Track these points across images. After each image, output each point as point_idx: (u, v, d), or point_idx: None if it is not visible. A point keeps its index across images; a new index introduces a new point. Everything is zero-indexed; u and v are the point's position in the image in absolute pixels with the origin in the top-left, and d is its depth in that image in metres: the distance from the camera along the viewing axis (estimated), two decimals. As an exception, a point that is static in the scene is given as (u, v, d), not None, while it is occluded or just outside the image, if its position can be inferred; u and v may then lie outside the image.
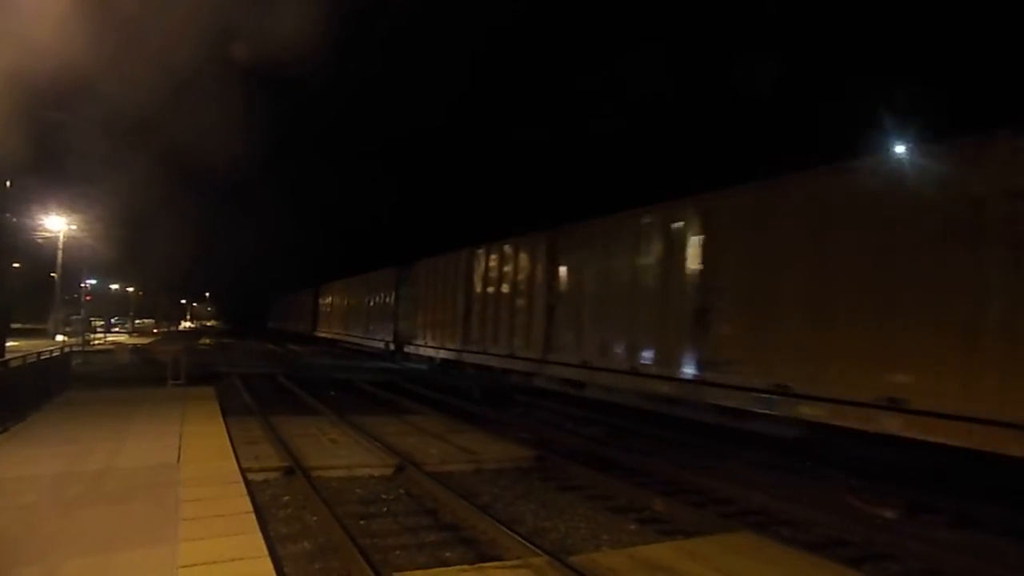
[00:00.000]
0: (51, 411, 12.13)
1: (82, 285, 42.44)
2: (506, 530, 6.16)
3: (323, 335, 42.29)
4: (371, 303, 29.65)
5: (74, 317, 41.12)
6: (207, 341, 49.66)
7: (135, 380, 17.99)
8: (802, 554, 5.83)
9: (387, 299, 26.56)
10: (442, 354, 19.81)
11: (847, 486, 8.32)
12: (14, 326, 45.88)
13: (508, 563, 5.47)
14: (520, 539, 5.89)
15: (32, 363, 12.68)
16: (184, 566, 4.89)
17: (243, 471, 7.84)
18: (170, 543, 5.35)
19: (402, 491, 7.95)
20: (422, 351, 21.97)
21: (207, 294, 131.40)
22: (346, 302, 36.19)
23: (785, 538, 6.47)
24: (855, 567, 5.73)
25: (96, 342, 38.33)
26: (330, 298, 42.13)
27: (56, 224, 31.86)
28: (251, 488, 7.18)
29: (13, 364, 11.68)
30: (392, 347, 25.35)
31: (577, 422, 13.29)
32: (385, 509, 7.25)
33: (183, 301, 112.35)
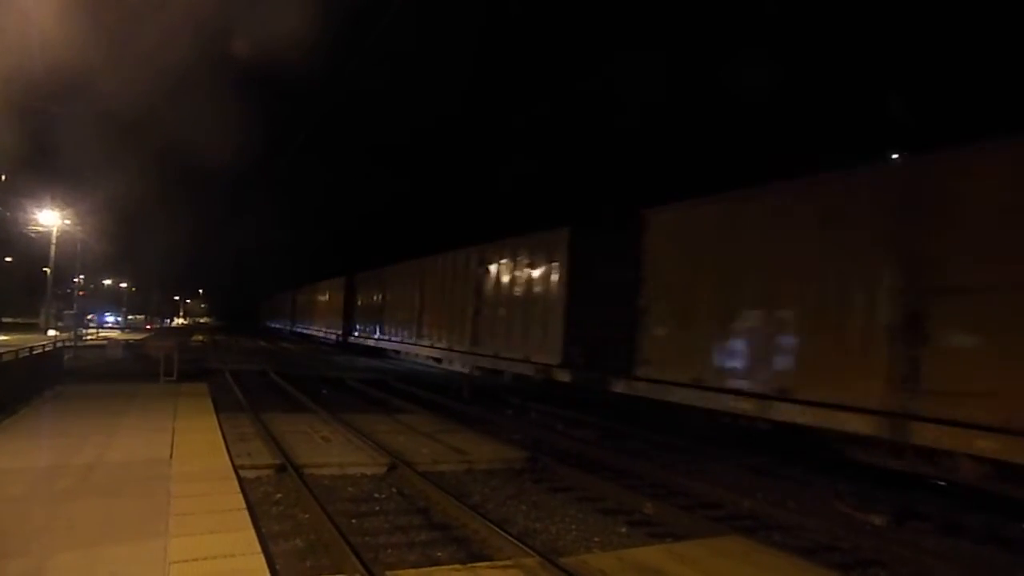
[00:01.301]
0: (42, 405, 12.08)
1: (75, 280, 42.25)
2: (497, 530, 6.18)
3: (365, 342, 30.39)
4: (483, 297, 17.82)
5: (67, 312, 40.96)
6: (200, 338, 49.49)
7: (127, 375, 17.94)
8: (791, 559, 5.87)
9: (543, 288, 14.96)
10: (805, 417, 8.61)
11: (835, 491, 8.38)
12: (6, 320, 45.84)
13: (499, 563, 5.50)
14: (511, 539, 5.91)
15: (24, 357, 12.65)
16: (175, 561, 4.90)
17: (235, 467, 7.84)
18: (161, 538, 5.35)
19: (394, 490, 7.97)
20: (689, 397, 10.39)
21: (200, 291, 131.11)
22: (418, 294, 23.15)
23: (774, 543, 6.52)
24: (843, 573, 5.78)
25: (88, 337, 38.18)
26: (380, 291, 28.60)
27: (49, 219, 31.69)
28: (243, 484, 7.19)
29: (5, 358, 11.63)
30: (566, 375, 13.78)
31: (568, 424, 13.31)
32: (377, 508, 7.27)
33: (176, 297, 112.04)
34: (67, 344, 22.95)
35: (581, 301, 13.65)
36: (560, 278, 14.44)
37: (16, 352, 12.41)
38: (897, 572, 6.14)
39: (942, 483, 7.80)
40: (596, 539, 6.53)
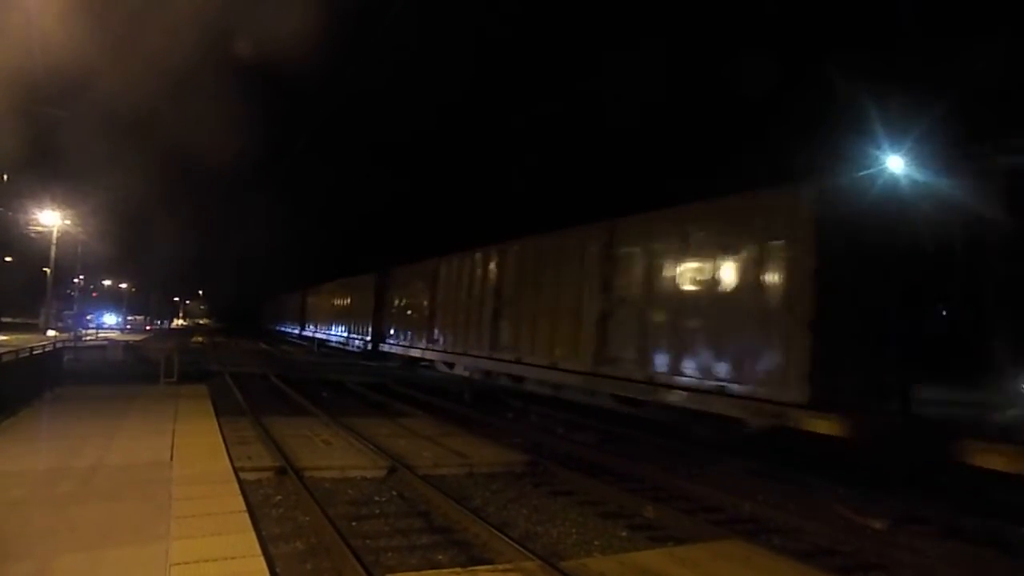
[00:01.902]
0: (42, 407, 12.09)
1: (75, 280, 42.28)
2: (498, 534, 6.18)
3: (408, 351, 24.65)
4: (617, 294, 12.61)
5: (66, 312, 40.99)
6: (200, 339, 49.49)
7: (127, 377, 17.96)
8: (792, 563, 5.87)
9: (754, 280, 9.88)
10: None
11: (835, 495, 8.38)
12: (5, 320, 45.84)
13: (500, 567, 5.50)
14: (512, 543, 5.90)
15: (23, 358, 12.63)
16: (176, 564, 4.90)
17: (236, 470, 7.85)
18: (162, 541, 5.35)
19: (394, 493, 7.96)
20: None
21: (200, 292, 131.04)
22: (490, 293, 17.80)
23: (775, 546, 6.52)
24: (844, 576, 5.78)
25: (88, 338, 38.19)
26: (426, 290, 22.65)
27: (50, 219, 31.72)
28: (244, 487, 7.19)
29: (4, 359, 11.63)
30: (830, 424, 8.32)
31: (569, 427, 13.31)
32: (377, 511, 7.26)
33: (176, 299, 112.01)
34: (66, 345, 22.94)
35: (846, 299, 8.75)
36: (797, 263, 9.17)
37: (16, 353, 12.40)
38: (897, 575, 6.15)
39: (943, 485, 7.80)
40: (597, 543, 6.52)
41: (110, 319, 60.62)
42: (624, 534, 6.85)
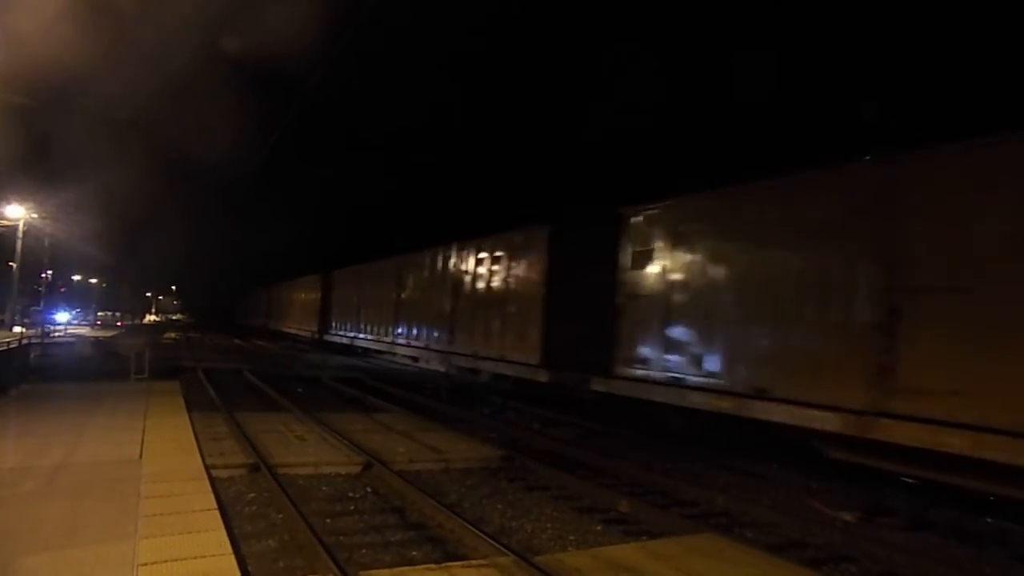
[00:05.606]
0: (7, 404, 11.80)
1: (42, 276, 41.35)
2: (473, 529, 6.17)
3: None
4: None
5: (33, 308, 40.14)
6: (172, 335, 48.73)
7: (97, 374, 17.59)
8: (764, 555, 5.94)
9: None
10: None
11: (807, 489, 8.50)
12: (-31, 316, 44.58)
13: (474, 562, 5.48)
14: (487, 538, 5.90)
15: (-12, 354, 12.35)
16: (144, 564, 4.81)
17: (207, 467, 7.73)
18: (130, 540, 5.26)
19: (369, 489, 7.91)
20: None
21: (173, 287, 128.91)
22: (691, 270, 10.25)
23: (748, 539, 6.60)
24: (815, 568, 5.86)
25: (56, 334, 37.40)
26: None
27: (15, 212, 30.95)
28: (215, 485, 7.09)
29: (-32, 355, 11.35)
30: None
31: (545, 423, 13.34)
32: (352, 507, 7.21)
33: (148, 294, 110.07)
34: (33, 341, 22.44)
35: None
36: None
37: (-20, 350, 12.11)
38: (866, 567, 6.24)
39: (910, 479, 7.94)
40: (572, 537, 6.54)
41: (67, 316, 54.50)
42: (599, 528, 6.88)
